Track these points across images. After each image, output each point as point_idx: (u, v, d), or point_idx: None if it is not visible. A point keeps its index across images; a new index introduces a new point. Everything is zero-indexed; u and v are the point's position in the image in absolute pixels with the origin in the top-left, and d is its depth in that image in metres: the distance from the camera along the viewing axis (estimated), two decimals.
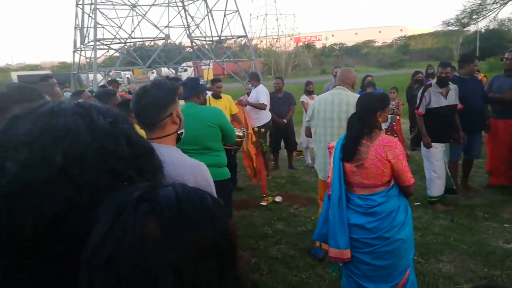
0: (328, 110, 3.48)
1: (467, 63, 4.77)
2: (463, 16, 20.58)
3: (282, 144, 6.96)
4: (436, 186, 4.53)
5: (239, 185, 5.83)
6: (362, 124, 2.60)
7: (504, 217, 4.21)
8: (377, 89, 7.02)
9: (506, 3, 19.36)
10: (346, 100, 3.42)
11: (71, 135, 0.55)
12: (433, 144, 4.50)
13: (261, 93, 6.18)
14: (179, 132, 1.75)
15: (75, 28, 17.62)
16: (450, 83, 4.49)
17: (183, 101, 3.60)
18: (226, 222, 0.54)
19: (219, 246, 0.51)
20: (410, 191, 2.66)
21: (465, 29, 23.85)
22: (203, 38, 18.14)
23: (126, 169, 0.58)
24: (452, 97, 4.48)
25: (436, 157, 4.52)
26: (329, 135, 3.46)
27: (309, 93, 7.04)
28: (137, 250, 0.46)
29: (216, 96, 5.80)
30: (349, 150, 2.59)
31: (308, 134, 3.83)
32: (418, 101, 4.63)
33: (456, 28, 22.03)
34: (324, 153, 3.42)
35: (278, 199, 5.12)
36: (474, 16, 20.41)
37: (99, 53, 16.92)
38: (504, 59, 4.90)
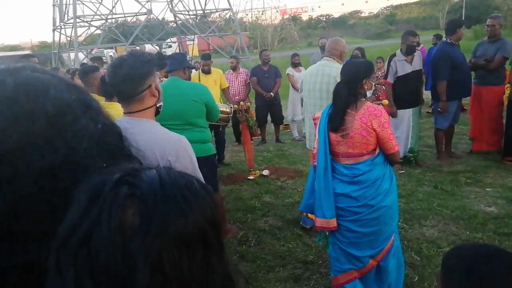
0: (313, 81, 3.47)
1: (457, 28, 4.76)
2: None
3: (269, 118, 6.95)
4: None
5: (226, 161, 5.83)
6: (348, 93, 2.58)
7: (486, 181, 4.32)
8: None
9: None
10: (329, 72, 3.41)
11: (51, 87, 0.54)
12: (401, 110, 4.76)
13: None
14: (158, 105, 1.72)
15: (53, 5, 16.99)
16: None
17: (164, 78, 3.55)
18: (214, 209, 0.50)
19: (205, 235, 0.47)
20: (395, 158, 2.68)
21: None
22: (186, 13, 17.68)
23: (98, 118, 0.58)
24: (417, 62, 4.75)
25: (401, 120, 4.80)
26: (316, 106, 3.47)
27: (295, 65, 6.97)
28: (113, 238, 0.42)
29: (205, 71, 5.72)
30: (337, 120, 2.57)
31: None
32: (385, 71, 4.87)
33: None
34: (309, 124, 3.45)
35: (265, 172, 5.15)
36: None
37: (80, 30, 16.44)
38: (486, 26, 4.92)
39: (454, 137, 5.27)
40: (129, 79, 1.59)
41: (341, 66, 3.41)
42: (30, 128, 0.50)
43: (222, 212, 3.36)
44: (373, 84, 2.85)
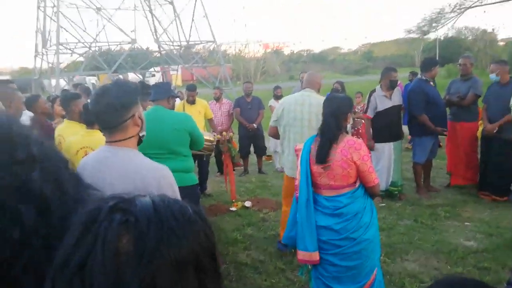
0: (299, 110, 3.52)
1: (432, 66, 4.96)
2: (423, 24, 21.51)
3: (252, 149, 6.96)
4: (380, 181, 4.75)
5: (208, 191, 5.76)
6: (336, 126, 2.63)
7: (465, 215, 4.38)
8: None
9: (463, 12, 20.40)
10: (312, 102, 3.49)
11: None
12: (382, 144, 4.85)
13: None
14: (140, 135, 1.70)
15: (36, 31, 16.94)
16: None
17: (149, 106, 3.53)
18: (208, 235, 0.50)
19: (200, 261, 0.48)
20: (375, 191, 2.71)
21: (426, 36, 24.90)
22: (171, 43, 17.93)
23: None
24: (397, 98, 4.90)
25: (382, 154, 4.88)
26: (298, 134, 3.50)
27: (277, 97, 7.10)
28: (107, 265, 0.42)
29: (190, 101, 5.75)
30: (323, 152, 2.60)
31: (272, 134, 3.88)
32: (366, 105, 5.01)
33: (417, 36, 22.95)
34: (293, 151, 3.46)
35: (247, 204, 5.09)
36: (433, 24, 21.37)
37: (62, 57, 16.36)
38: (458, 65, 5.16)
39: (432, 171, 5.39)
40: (112, 108, 1.57)
41: (320, 98, 3.50)
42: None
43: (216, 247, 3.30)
44: (352, 118, 2.93)
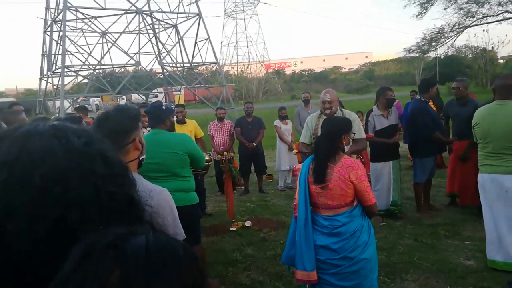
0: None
1: (430, 87, 4.96)
2: (423, 43, 21.77)
3: (252, 168, 7.02)
4: (381, 200, 4.74)
5: (208, 211, 5.78)
6: (329, 147, 2.70)
7: (465, 234, 4.38)
8: None
9: (462, 31, 20.70)
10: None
11: (48, 156, 0.57)
12: (381, 163, 4.88)
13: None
14: (141, 158, 1.76)
15: (42, 55, 17.31)
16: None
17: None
18: (197, 277, 0.52)
19: None
20: (372, 210, 2.75)
21: (425, 55, 25.16)
22: (174, 65, 18.24)
23: (105, 185, 0.59)
24: (393, 117, 4.96)
25: (381, 174, 4.89)
26: None
27: (282, 118, 7.19)
28: None
29: (180, 121, 5.79)
30: (320, 172, 2.65)
31: (303, 149, 4.10)
32: (364, 125, 4.98)
33: (417, 55, 23.21)
34: None
35: (247, 223, 5.11)
36: (433, 43, 21.62)
37: (67, 79, 16.65)
38: (452, 88, 5.16)
39: (432, 190, 5.40)
40: (114, 133, 1.64)
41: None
42: (18, 196, 0.54)
43: (204, 267, 3.29)
44: (350, 139, 2.97)
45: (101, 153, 0.63)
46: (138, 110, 1.81)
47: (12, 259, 0.53)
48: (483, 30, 22.67)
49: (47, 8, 16.58)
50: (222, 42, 52.96)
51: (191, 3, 17.40)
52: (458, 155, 4.93)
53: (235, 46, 51.59)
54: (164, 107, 3.20)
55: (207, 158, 3.90)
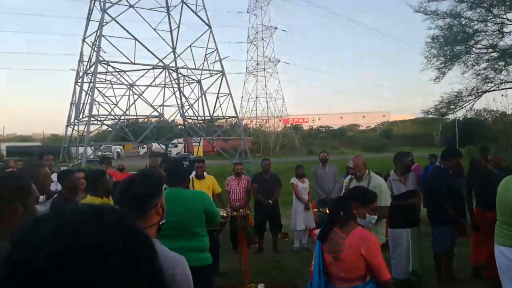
0: None
1: (451, 157, 4.93)
2: (441, 106, 21.86)
3: (267, 226, 6.92)
4: (399, 267, 4.59)
5: (221, 270, 5.65)
6: (338, 210, 2.70)
7: None
8: None
9: (480, 96, 20.79)
10: None
11: (81, 236, 0.62)
12: (399, 229, 4.77)
13: None
14: (160, 223, 1.80)
15: (71, 103, 18.18)
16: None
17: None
18: None
19: None
20: (387, 286, 2.61)
21: (443, 118, 25.18)
22: (195, 118, 18.81)
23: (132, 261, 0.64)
24: (412, 182, 4.90)
25: (400, 240, 4.76)
26: None
27: (299, 176, 7.18)
28: None
29: (199, 176, 5.87)
30: (325, 231, 2.68)
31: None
32: None
33: (435, 117, 23.25)
34: None
35: (261, 286, 4.92)
36: (451, 107, 21.68)
37: (92, 127, 17.29)
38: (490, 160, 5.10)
39: (455, 260, 5.16)
40: (138, 199, 1.70)
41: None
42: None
43: None
44: (367, 215, 2.88)
45: (129, 227, 0.67)
46: (162, 175, 1.88)
47: None
48: (502, 95, 22.72)
49: (80, 60, 17.67)
50: (242, 97, 54.64)
51: (215, 61, 18.29)
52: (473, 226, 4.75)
53: (254, 101, 53.05)
54: (185, 166, 3.28)
55: (224, 214, 3.88)
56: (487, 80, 19.83)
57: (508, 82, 19.67)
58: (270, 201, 6.67)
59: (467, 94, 20.93)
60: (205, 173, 6.05)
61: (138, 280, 0.64)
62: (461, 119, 35.06)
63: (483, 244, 4.87)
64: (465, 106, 21.83)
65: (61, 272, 0.58)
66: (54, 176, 4.72)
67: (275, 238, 6.88)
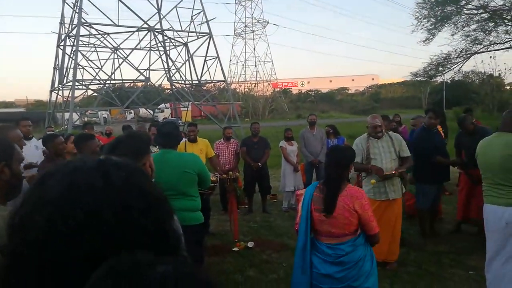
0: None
1: (433, 112, 5.07)
2: (429, 68, 21.89)
3: (257, 188, 7.02)
4: None
5: (211, 230, 5.78)
6: (340, 177, 2.71)
7: (470, 264, 4.33)
8: (340, 137, 7.37)
9: (468, 58, 20.82)
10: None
11: (90, 192, 0.60)
12: None
13: None
14: None
15: (54, 68, 17.63)
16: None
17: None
18: None
19: None
20: (375, 239, 2.75)
21: (432, 80, 25.27)
22: (183, 82, 18.48)
23: (140, 220, 0.62)
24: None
25: None
26: None
27: (288, 139, 7.22)
28: None
29: (192, 140, 5.87)
30: (331, 203, 2.64)
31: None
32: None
33: (424, 79, 23.33)
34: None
35: (250, 244, 5.09)
36: (440, 69, 21.73)
37: (77, 93, 16.88)
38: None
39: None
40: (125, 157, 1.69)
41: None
42: (58, 231, 0.58)
43: None
44: (352, 169, 2.98)
45: (140, 186, 0.66)
46: (150, 136, 1.87)
47: (46, 283, 0.57)
48: (490, 57, 22.77)
49: (62, 23, 16.97)
50: (231, 60, 53.70)
51: (202, 23, 17.74)
52: (472, 180, 4.87)
53: (243, 65, 52.25)
54: (179, 122, 3.27)
55: (213, 178, 3.92)
56: (476, 42, 19.78)
57: (497, 43, 19.64)
58: (259, 163, 6.73)
59: (456, 56, 20.92)
60: (198, 137, 6.04)
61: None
62: (449, 81, 35.30)
63: (470, 201, 5.06)
64: (453, 68, 21.91)
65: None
66: (34, 142, 4.67)
67: (264, 200, 7.02)
